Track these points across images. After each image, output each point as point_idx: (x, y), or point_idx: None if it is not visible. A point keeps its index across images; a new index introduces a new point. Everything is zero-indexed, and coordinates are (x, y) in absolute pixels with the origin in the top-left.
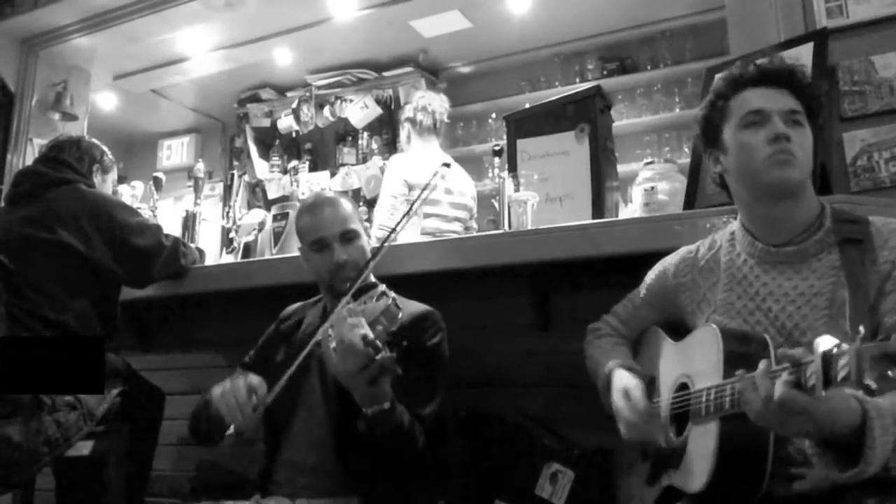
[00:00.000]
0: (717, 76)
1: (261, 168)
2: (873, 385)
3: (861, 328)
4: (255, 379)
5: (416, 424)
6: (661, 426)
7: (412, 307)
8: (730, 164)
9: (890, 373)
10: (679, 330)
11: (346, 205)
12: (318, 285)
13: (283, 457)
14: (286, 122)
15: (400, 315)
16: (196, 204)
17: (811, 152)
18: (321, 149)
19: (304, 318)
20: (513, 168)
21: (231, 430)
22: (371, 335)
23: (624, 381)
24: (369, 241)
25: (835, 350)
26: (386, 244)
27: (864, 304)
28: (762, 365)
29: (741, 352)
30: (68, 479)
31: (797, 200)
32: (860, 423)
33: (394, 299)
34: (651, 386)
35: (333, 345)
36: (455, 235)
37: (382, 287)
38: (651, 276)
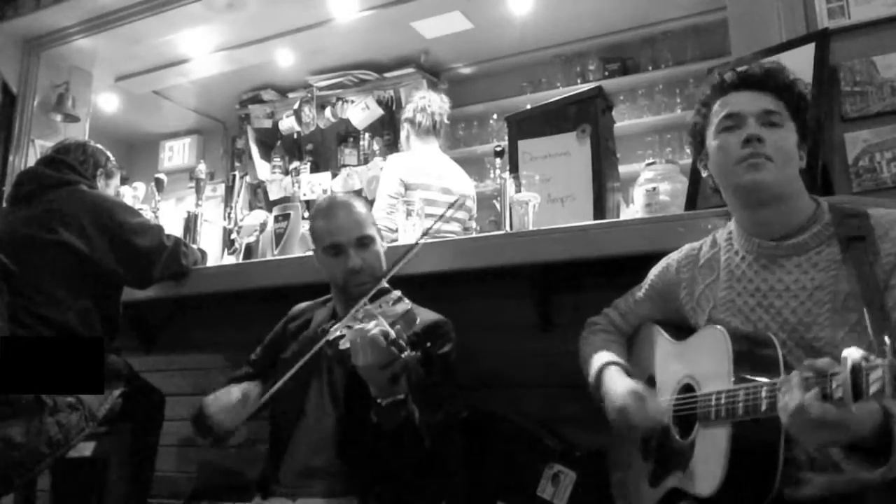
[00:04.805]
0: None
1: (262, 169)
2: None
3: (887, 339)
4: (246, 385)
5: (425, 426)
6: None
7: (424, 315)
8: (712, 167)
9: None
10: (677, 327)
11: (362, 209)
12: (326, 286)
13: (286, 458)
14: (287, 123)
15: (417, 321)
16: (197, 205)
17: (792, 152)
18: (322, 150)
19: (313, 318)
20: (514, 169)
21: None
22: (394, 334)
23: (628, 383)
24: (383, 244)
25: (864, 363)
26: (409, 255)
27: (878, 304)
28: (795, 377)
29: (750, 354)
30: (70, 481)
31: (782, 203)
32: (882, 424)
33: (411, 306)
34: (650, 385)
35: (352, 339)
36: (453, 236)
37: (398, 293)
38: (655, 271)
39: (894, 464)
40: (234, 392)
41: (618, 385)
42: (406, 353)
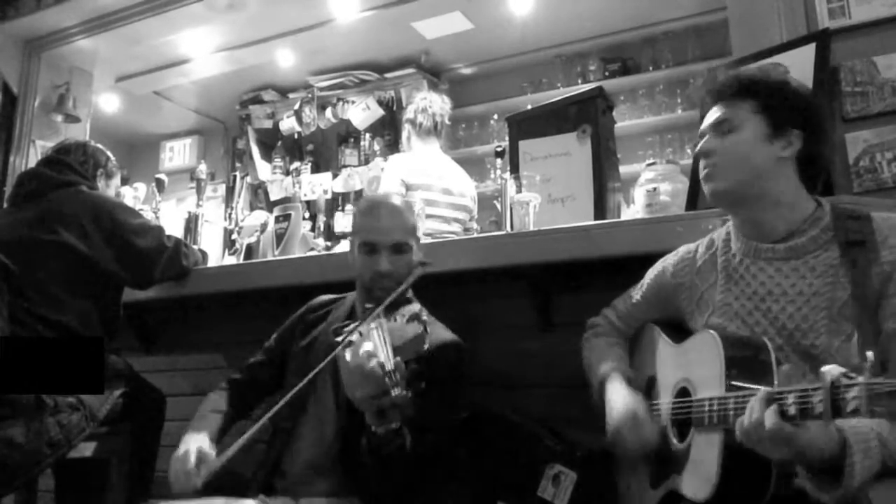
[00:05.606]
0: None
1: (263, 169)
2: (885, 419)
3: (869, 355)
4: (206, 447)
5: (419, 446)
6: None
7: (441, 334)
8: None
9: None
10: (678, 328)
11: (405, 215)
12: (328, 287)
13: (289, 457)
14: (288, 124)
15: (426, 345)
16: (198, 205)
17: (745, 152)
18: (323, 150)
19: (331, 312)
20: (515, 169)
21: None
22: (390, 366)
23: (627, 401)
24: (420, 256)
25: (843, 381)
26: (421, 270)
27: (869, 317)
28: (762, 392)
29: (742, 359)
30: (71, 481)
31: (760, 203)
32: (840, 452)
33: (425, 326)
34: (650, 387)
35: (349, 357)
36: (454, 237)
37: (418, 307)
38: (651, 274)
39: (847, 487)
40: (191, 457)
41: (618, 401)
42: (397, 390)
